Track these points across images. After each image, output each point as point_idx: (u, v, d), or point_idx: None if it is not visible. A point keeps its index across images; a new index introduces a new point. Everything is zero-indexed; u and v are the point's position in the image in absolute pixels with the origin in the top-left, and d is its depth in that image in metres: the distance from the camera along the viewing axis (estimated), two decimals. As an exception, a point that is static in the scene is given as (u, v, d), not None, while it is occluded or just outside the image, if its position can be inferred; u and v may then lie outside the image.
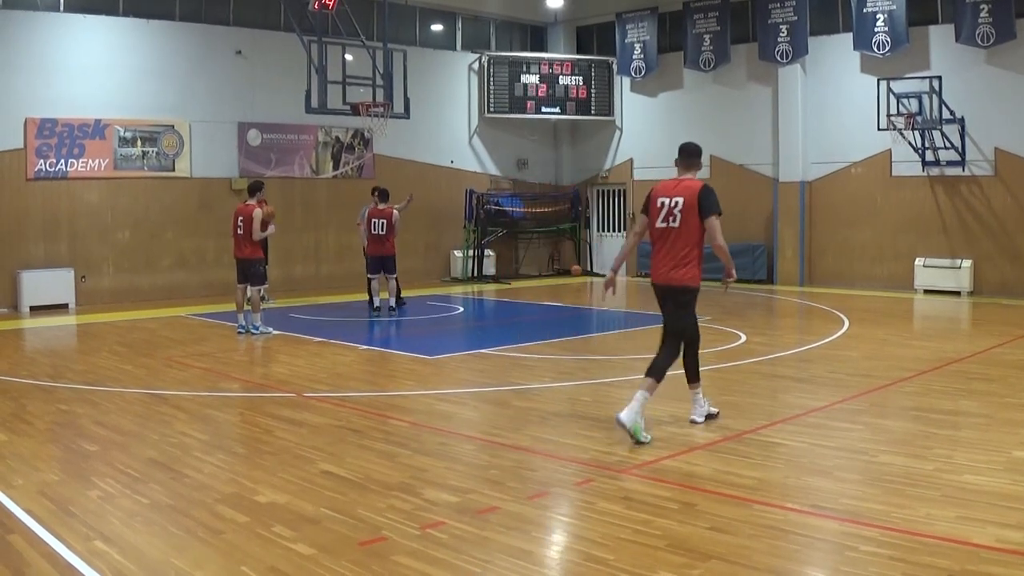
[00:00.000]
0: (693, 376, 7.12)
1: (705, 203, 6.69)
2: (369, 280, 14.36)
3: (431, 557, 4.47)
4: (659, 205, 6.87)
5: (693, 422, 7.14)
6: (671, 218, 6.78)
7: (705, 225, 6.71)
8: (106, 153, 16.26)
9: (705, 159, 19.94)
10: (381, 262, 14.17)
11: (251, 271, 12.35)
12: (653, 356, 6.86)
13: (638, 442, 6.50)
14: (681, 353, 7.01)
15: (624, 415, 6.52)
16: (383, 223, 14.00)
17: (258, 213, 12.20)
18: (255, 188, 12.65)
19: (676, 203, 6.76)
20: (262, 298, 13.01)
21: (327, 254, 19.17)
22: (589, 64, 21.99)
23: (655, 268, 6.96)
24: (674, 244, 6.79)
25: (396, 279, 14.67)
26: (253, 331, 12.33)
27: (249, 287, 12.38)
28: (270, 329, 12.56)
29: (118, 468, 6.09)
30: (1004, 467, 5.87)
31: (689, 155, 7.02)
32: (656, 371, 6.72)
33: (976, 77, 16.54)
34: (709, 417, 7.24)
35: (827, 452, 6.34)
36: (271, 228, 12.52)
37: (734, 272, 7.12)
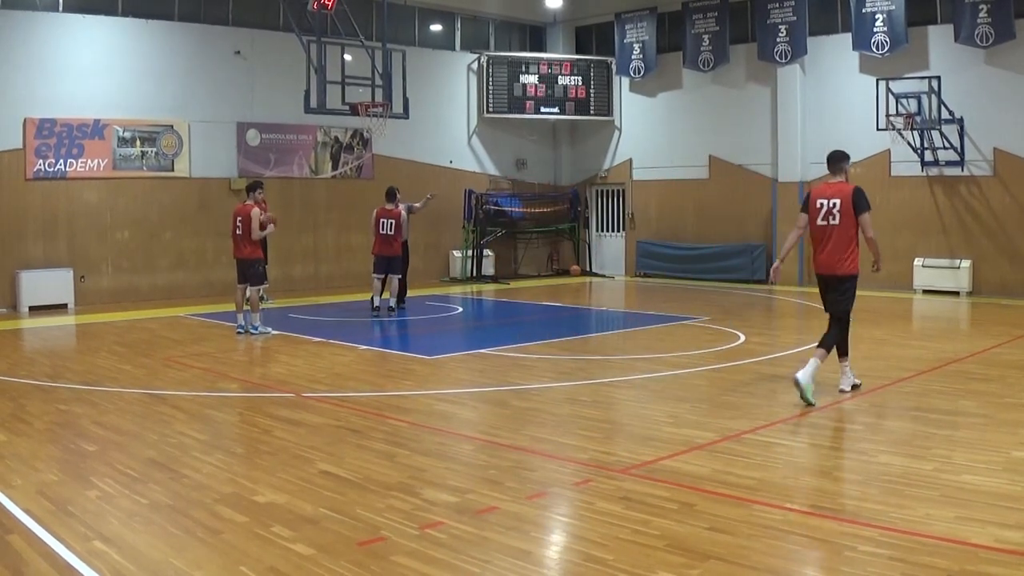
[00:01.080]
0: (827, 344, 7.96)
1: (858, 202, 7.75)
2: (374, 279, 14.36)
3: (430, 557, 4.47)
4: (818, 205, 7.90)
5: (841, 391, 8.07)
6: (830, 216, 7.81)
7: (859, 220, 7.77)
8: (105, 153, 16.25)
9: (704, 159, 20.43)
10: (387, 262, 14.17)
11: (250, 271, 12.35)
12: (824, 333, 8.02)
13: (808, 403, 7.53)
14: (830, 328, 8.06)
15: (801, 375, 7.60)
16: (391, 223, 14.01)
17: (255, 212, 12.21)
18: (252, 188, 12.66)
19: (834, 204, 7.80)
20: (261, 298, 13.01)
21: (326, 254, 19.16)
22: (588, 64, 22.00)
23: (818, 260, 8.02)
24: (835, 239, 7.83)
25: (403, 280, 14.68)
26: (252, 331, 12.32)
27: (248, 287, 12.38)
28: (269, 329, 12.56)
29: (117, 468, 6.09)
30: (1003, 467, 5.87)
31: (836, 161, 8.03)
32: (827, 344, 7.90)
33: (975, 77, 16.55)
34: (854, 387, 8.12)
35: (826, 452, 6.34)
36: (270, 228, 12.54)
37: (880, 264, 8.26)
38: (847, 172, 8.10)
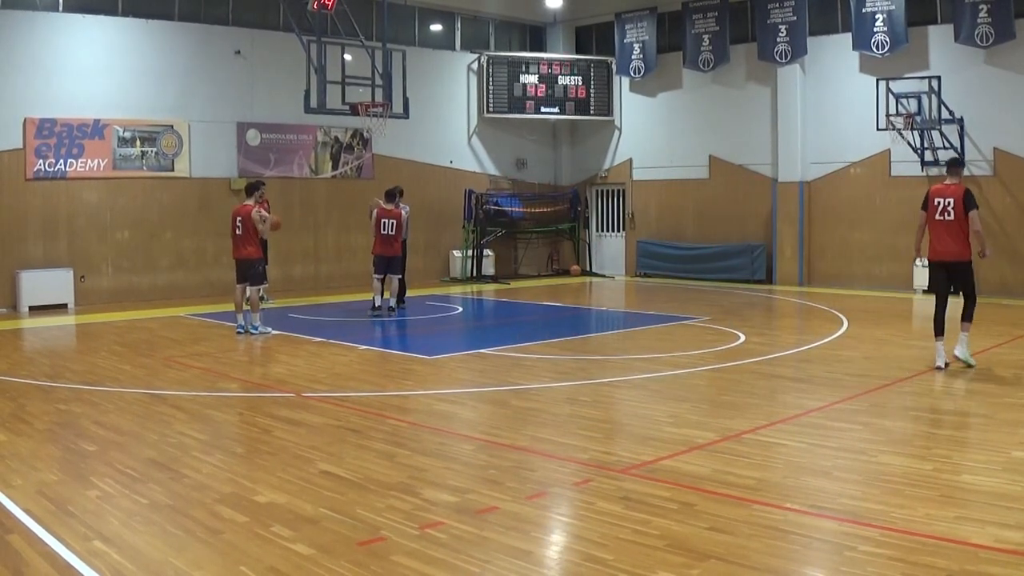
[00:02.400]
0: (968, 318, 9.37)
1: (968, 202, 9.09)
2: (375, 279, 14.33)
3: (430, 557, 4.47)
4: (936, 203, 9.25)
5: (955, 356, 9.29)
6: (946, 213, 9.17)
7: (968, 216, 9.06)
8: (105, 153, 16.25)
9: (704, 159, 20.45)
10: (388, 262, 14.17)
11: (250, 271, 12.35)
12: (936, 315, 9.38)
13: (970, 366, 9.21)
14: (962, 305, 9.44)
15: (959, 352, 9.26)
16: (392, 223, 14.01)
17: (256, 213, 12.21)
18: (252, 188, 12.65)
19: (949, 202, 9.16)
20: (261, 298, 13.00)
21: (326, 254, 19.16)
22: (588, 64, 21.99)
23: (935, 249, 9.32)
24: (951, 232, 9.16)
25: (402, 280, 14.70)
26: (252, 331, 12.32)
27: (248, 287, 12.38)
28: (269, 329, 12.55)
29: (117, 468, 6.09)
30: (1003, 467, 5.87)
31: (954, 166, 9.50)
32: (969, 317, 9.35)
33: (975, 77, 16.55)
34: (968, 364, 9.20)
35: (826, 452, 6.34)
36: (272, 220, 12.46)
37: (987, 251, 9.41)
38: (961, 176, 9.42)
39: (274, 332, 12.48)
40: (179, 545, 4.67)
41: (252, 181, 13.31)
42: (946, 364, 9.24)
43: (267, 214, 12.59)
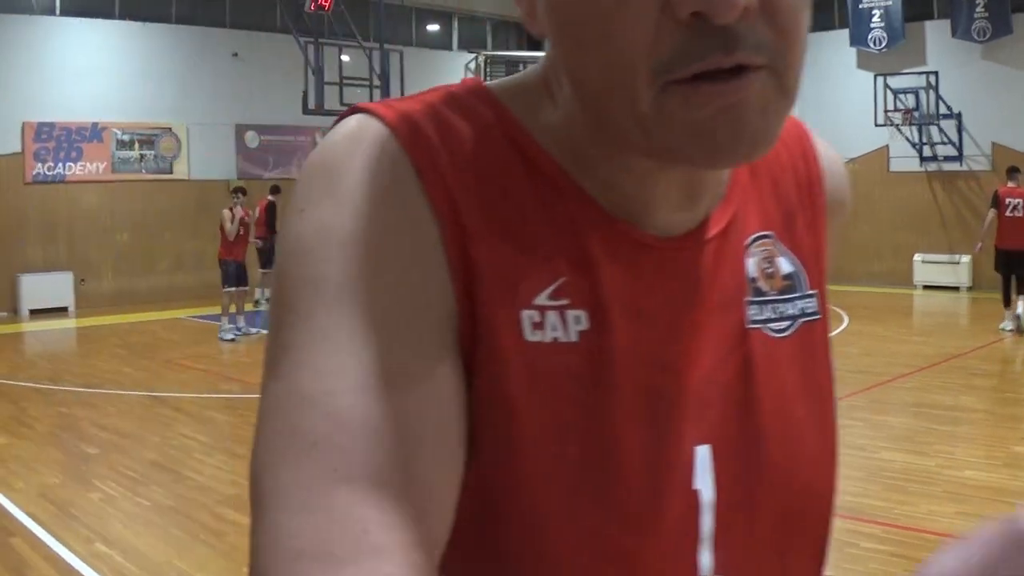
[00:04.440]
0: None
1: None
2: None
3: (433, 557, 4.46)
4: (1007, 203, 11.03)
5: (1017, 316, 11.13)
6: (1016, 210, 10.97)
7: None
8: (104, 156, 16.25)
9: (703, 157, 20.46)
10: None
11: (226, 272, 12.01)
12: (1004, 291, 11.38)
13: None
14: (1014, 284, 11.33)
15: (1021, 310, 11.04)
16: None
17: (224, 214, 11.88)
18: (240, 191, 12.47)
19: (1019, 202, 10.98)
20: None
21: (326, 255, 19.14)
22: (586, 63, 21.98)
23: (1005, 240, 11.06)
24: (1020, 226, 10.87)
25: None
26: (250, 331, 12.31)
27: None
28: (252, 329, 12.51)
29: (119, 470, 6.09)
30: (1005, 463, 5.87)
31: (1015, 171, 11.29)
32: (1010, 296, 11.29)
33: (973, 72, 16.55)
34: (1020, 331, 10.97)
35: (827, 448, 6.34)
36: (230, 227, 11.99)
37: None
38: (1020, 180, 11.16)
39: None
40: (182, 547, 4.67)
41: (241, 186, 13.15)
42: (1015, 328, 11.07)
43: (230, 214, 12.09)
